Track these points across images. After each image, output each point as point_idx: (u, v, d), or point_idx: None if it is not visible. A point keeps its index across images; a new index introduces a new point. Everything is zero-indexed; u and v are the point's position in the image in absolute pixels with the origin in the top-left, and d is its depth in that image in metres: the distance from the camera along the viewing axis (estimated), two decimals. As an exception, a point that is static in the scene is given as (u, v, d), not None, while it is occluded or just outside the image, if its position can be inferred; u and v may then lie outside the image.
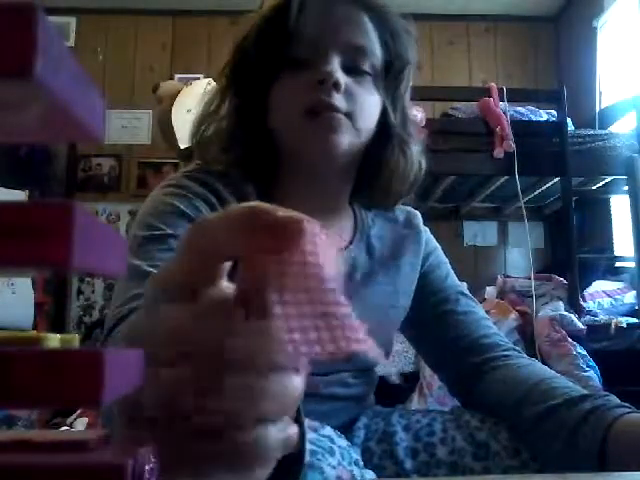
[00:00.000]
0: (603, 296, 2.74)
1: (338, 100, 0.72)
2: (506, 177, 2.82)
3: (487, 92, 2.79)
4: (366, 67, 0.76)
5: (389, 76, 0.79)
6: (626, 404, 0.66)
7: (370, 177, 0.83)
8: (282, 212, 0.27)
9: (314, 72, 0.73)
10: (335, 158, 0.75)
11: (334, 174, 0.80)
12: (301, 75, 0.74)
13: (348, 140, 0.74)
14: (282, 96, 0.75)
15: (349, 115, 0.73)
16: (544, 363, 1.69)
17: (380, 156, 0.81)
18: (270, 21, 0.75)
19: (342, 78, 0.73)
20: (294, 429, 0.29)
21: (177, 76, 3.81)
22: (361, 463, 0.74)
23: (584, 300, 2.65)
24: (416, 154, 0.83)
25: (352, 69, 0.75)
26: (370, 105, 0.77)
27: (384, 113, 0.79)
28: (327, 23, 0.74)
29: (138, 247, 0.67)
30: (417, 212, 0.93)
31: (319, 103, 0.72)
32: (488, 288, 3.04)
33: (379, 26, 0.77)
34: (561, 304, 2.53)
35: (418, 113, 2.45)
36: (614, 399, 0.67)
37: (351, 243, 0.84)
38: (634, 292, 2.70)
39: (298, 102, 0.73)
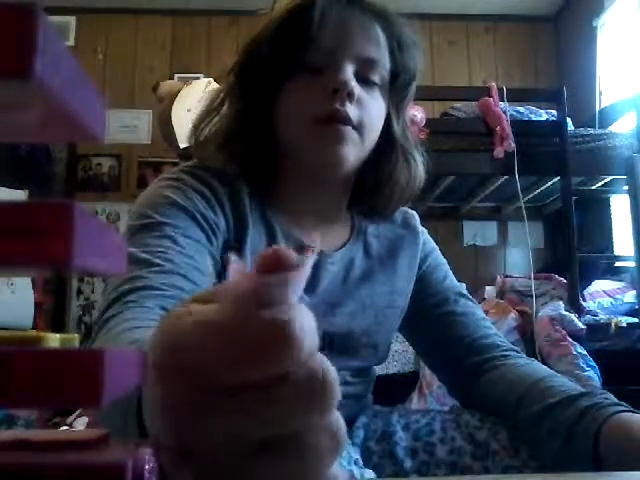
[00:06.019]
0: (603, 296, 2.74)
1: (351, 110, 0.73)
2: (506, 177, 2.82)
3: (487, 92, 2.79)
4: (376, 78, 0.77)
5: (394, 87, 0.80)
6: (622, 402, 0.66)
7: (372, 187, 0.83)
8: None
9: (329, 80, 0.73)
10: (338, 169, 0.75)
11: (334, 180, 0.80)
12: (314, 82, 0.74)
13: (354, 152, 0.75)
14: (293, 101, 0.75)
15: (358, 126, 0.74)
16: (544, 363, 1.69)
17: (384, 166, 0.81)
18: (286, 25, 0.75)
19: (356, 88, 0.73)
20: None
21: (177, 76, 3.81)
22: (360, 462, 0.74)
23: (584, 300, 2.65)
24: (420, 166, 0.83)
25: (363, 79, 0.75)
26: (377, 116, 0.78)
27: (388, 123, 0.80)
28: (344, 32, 0.74)
29: (132, 236, 0.67)
30: (414, 212, 0.93)
31: (333, 113, 0.72)
32: (488, 288, 3.04)
33: (389, 36, 0.78)
34: (561, 304, 2.53)
35: (418, 113, 2.45)
36: (611, 397, 0.67)
37: (347, 243, 0.84)
38: (634, 292, 2.70)
39: (310, 109, 0.73)
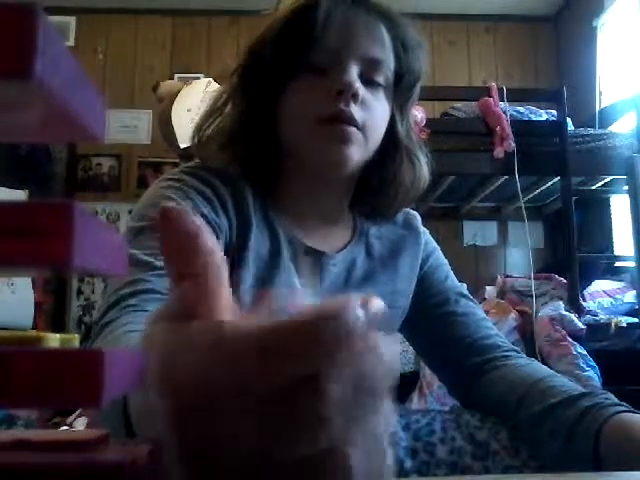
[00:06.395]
0: (603, 296, 2.74)
1: (355, 111, 0.72)
2: (506, 177, 2.82)
3: (487, 92, 2.79)
4: (380, 79, 0.76)
5: (399, 88, 0.80)
6: (623, 403, 0.66)
7: (376, 188, 0.83)
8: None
9: (333, 81, 0.73)
10: (342, 169, 0.75)
11: (337, 181, 0.80)
12: (318, 82, 0.74)
13: (358, 153, 0.74)
14: (296, 101, 0.75)
15: (362, 127, 0.74)
16: (544, 363, 1.69)
17: (388, 167, 0.81)
18: (290, 25, 0.74)
19: (361, 89, 0.73)
20: None
21: (177, 76, 3.81)
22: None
23: (584, 300, 2.65)
24: (424, 167, 0.83)
25: (367, 80, 0.75)
26: (381, 117, 0.78)
27: (392, 124, 0.80)
28: (349, 33, 0.74)
29: (134, 237, 0.67)
30: (416, 213, 0.93)
31: (338, 114, 0.72)
32: (488, 288, 3.04)
33: (393, 37, 0.77)
34: (561, 304, 2.53)
35: (418, 113, 2.45)
36: (612, 397, 0.67)
37: (349, 244, 0.84)
38: (634, 292, 2.70)
39: (314, 109, 0.73)
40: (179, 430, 0.22)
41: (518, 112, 2.86)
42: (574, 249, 2.66)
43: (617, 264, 3.04)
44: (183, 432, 0.22)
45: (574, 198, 2.74)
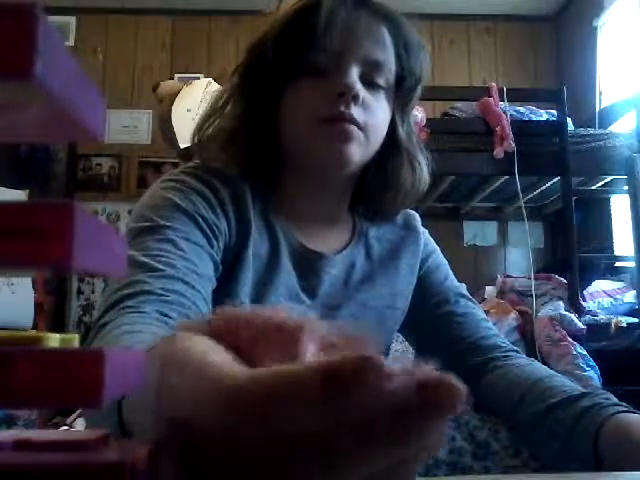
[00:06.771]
0: (603, 296, 2.74)
1: (356, 112, 0.72)
2: (506, 177, 2.82)
3: (487, 92, 2.79)
4: (381, 81, 0.76)
5: (400, 90, 0.79)
6: (623, 403, 0.66)
7: (376, 190, 0.83)
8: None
9: (334, 83, 0.72)
10: (343, 168, 0.75)
11: (338, 182, 0.80)
12: (319, 84, 0.73)
13: (359, 152, 0.74)
14: (297, 102, 0.75)
15: (363, 128, 0.74)
16: (544, 363, 1.69)
17: (388, 170, 0.81)
18: (292, 25, 0.74)
19: (361, 91, 0.73)
20: None
21: (177, 76, 3.80)
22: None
23: (584, 300, 2.65)
24: (425, 169, 0.83)
25: (368, 82, 0.75)
26: (382, 119, 0.77)
27: (392, 126, 0.80)
28: (351, 34, 0.74)
29: (133, 238, 0.67)
30: (415, 213, 0.93)
31: (339, 115, 0.72)
32: (488, 288, 3.04)
33: (395, 38, 0.77)
34: (561, 304, 2.53)
35: (418, 113, 2.45)
36: (612, 397, 0.67)
37: (348, 245, 0.84)
38: (634, 292, 2.70)
39: (315, 111, 0.73)
40: (183, 458, 0.22)
41: (518, 112, 2.86)
42: (574, 249, 2.66)
43: (617, 264, 3.04)
44: (186, 459, 0.22)
45: (574, 198, 2.74)
